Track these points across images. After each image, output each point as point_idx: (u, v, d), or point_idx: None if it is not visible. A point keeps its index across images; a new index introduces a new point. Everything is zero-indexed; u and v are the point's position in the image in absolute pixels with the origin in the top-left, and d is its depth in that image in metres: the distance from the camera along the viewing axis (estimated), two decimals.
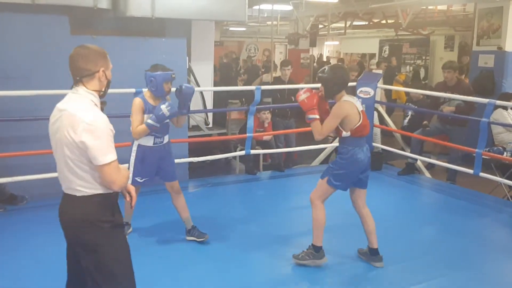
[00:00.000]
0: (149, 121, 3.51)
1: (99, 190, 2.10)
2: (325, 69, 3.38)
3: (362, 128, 3.34)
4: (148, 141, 3.65)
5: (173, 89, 3.76)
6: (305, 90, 3.39)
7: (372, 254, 3.58)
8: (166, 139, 3.76)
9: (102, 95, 2.17)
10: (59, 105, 2.12)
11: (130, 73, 5.11)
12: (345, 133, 3.33)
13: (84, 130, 1.99)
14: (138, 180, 3.67)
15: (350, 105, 3.29)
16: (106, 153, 2.02)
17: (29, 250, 3.67)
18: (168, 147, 3.82)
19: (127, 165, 3.59)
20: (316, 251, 3.47)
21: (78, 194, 2.10)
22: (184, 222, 3.89)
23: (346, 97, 3.32)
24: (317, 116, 3.31)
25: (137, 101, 3.60)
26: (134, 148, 3.66)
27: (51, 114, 2.15)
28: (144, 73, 3.63)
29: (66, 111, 2.05)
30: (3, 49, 4.49)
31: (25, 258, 3.53)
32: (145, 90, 3.72)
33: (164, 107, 3.49)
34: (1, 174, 4.30)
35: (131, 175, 3.65)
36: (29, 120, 4.43)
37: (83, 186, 2.09)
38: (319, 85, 3.40)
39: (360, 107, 3.36)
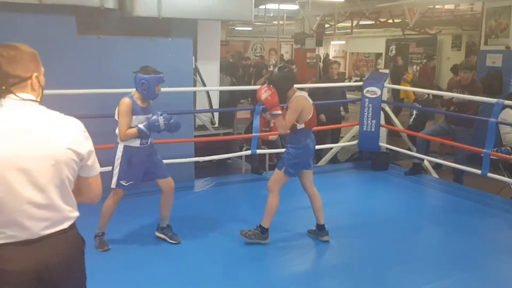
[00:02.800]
0: (141, 127, 3.47)
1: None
2: (273, 71, 3.79)
3: (314, 120, 3.71)
4: (135, 142, 3.57)
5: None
6: (266, 89, 3.60)
7: (319, 230, 3.98)
8: (150, 140, 3.73)
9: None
10: (19, 125, 1.62)
11: None
12: (299, 125, 3.65)
13: (85, 141, 1.74)
14: (123, 183, 3.58)
15: (304, 99, 3.63)
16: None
17: None
18: (153, 146, 3.77)
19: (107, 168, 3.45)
20: (263, 232, 3.82)
21: (64, 226, 1.72)
22: (162, 219, 3.85)
23: (299, 92, 3.65)
24: (280, 112, 3.59)
25: (127, 101, 3.50)
26: (120, 149, 3.56)
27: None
28: (134, 75, 3.55)
29: (42, 125, 1.66)
30: None
31: None
32: (133, 90, 3.63)
33: (161, 120, 3.51)
34: None
35: (115, 178, 3.56)
36: None
37: (73, 211, 1.76)
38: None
39: (311, 101, 3.70)
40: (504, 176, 5.29)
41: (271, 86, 3.61)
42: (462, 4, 12.12)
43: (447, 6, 12.48)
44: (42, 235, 1.66)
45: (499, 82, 7.03)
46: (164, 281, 3.30)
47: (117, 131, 3.54)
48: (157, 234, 3.89)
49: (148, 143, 3.67)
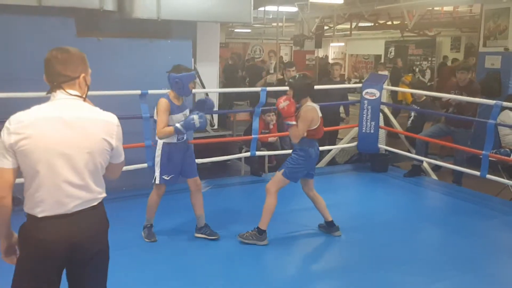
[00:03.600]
0: (178, 126, 3.59)
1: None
2: (296, 76, 3.96)
3: (319, 131, 3.85)
4: (172, 138, 3.72)
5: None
6: (284, 98, 3.74)
7: (330, 226, 4.13)
8: (186, 136, 3.87)
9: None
10: (66, 116, 1.91)
11: (136, 75, 5.13)
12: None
13: (117, 134, 2.03)
14: (165, 178, 3.75)
15: (314, 111, 3.79)
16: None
17: None
18: (187, 143, 3.92)
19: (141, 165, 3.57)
20: (260, 233, 3.87)
21: (94, 204, 2.01)
22: (198, 219, 3.97)
23: (310, 103, 3.82)
24: (295, 123, 3.75)
25: (164, 101, 3.65)
26: (159, 147, 3.73)
27: (44, 125, 1.88)
28: (167, 75, 3.68)
29: (84, 117, 1.96)
30: (10, 51, 4.52)
31: None
32: (167, 91, 3.82)
33: (197, 118, 3.58)
34: None
35: (158, 173, 3.74)
36: None
37: (101, 192, 2.04)
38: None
39: (320, 113, 3.85)
40: (503, 178, 5.29)
41: (291, 95, 3.78)
42: (461, 6, 12.15)
43: (446, 8, 12.51)
44: (75, 211, 1.92)
45: (498, 83, 7.04)
46: (162, 282, 3.29)
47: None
48: (197, 235, 3.99)
49: (184, 139, 3.81)
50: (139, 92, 4.77)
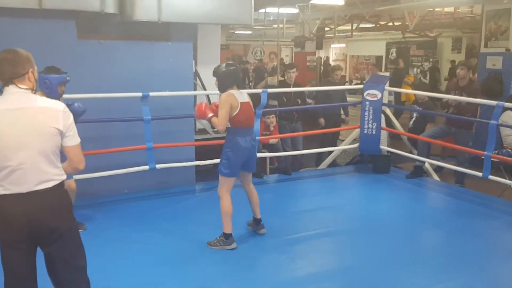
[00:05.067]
0: None
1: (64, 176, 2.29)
2: (220, 65, 3.85)
3: (242, 119, 3.76)
4: None
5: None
6: (197, 109, 3.86)
7: (256, 223, 4.15)
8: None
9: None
10: (17, 106, 2.17)
11: (136, 77, 5.13)
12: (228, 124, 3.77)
13: (64, 118, 2.25)
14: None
15: (232, 96, 3.72)
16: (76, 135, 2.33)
17: None
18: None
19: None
20: (226, 238, 3.83)
21: (51, 184, 2.22)
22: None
23: (232, 90, 3.76)
24: (212, 114, 3.79)
25: None
26: None
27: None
28: (38, 75, 3.63)
29: (32, 107, 2.19)
30: None
31: None
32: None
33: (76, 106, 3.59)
34: None
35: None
36: None
37: (58, 174, 2.25)
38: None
39: (243, 99, 3.78)
40: (506, 178, 5.28)
41: (217, 84, 3.82)
42: (461, 7, 12.14)
43: (447, 9, 12.50)
44: (31, 191, 2.17)
45: (500, 84, 7.02)
46: (164, 285, 3.29)
47: None
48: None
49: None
50: (140, 94, 4.76)
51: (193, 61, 5.70)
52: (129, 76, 5.08)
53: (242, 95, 3.81)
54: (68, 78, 3.62)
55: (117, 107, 4.85)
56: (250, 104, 3.88)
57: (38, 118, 2.17)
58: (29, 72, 2.24)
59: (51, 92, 3.52)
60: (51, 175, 2.21)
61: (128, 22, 4.92)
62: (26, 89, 2.22)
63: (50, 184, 2.21)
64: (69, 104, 3.56)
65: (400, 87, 10.03)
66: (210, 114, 3.79)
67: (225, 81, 3.79)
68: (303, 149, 6.41)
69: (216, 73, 3.82)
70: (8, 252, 2.20)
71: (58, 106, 2.26)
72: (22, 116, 2.15)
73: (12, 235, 2.17)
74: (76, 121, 3.56)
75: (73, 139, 2.29)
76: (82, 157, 2.35)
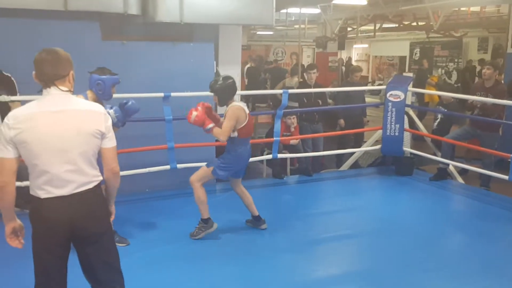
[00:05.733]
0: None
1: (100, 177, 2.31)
2: (217, 80, 3.89)
3: (248, 129, 3.89)
4: None
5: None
6: (191, 111, 3.79)
7: (256, 220, 4.20)
8: None
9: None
10: (59, 108, 2.14)
11: (158, 78, 5.18)
12: (233, 134, 3.84)
13: (104, 121, 2.26)
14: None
15: (240, 109, 3.81)
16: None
17: None
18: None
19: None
20: (205, 222, 3.96)
21: (90, 186, 2.22)
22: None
23: (235, 102, 3.86)
24: (213, 124, 3.79)
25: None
26: None
27: (39, 118, 2.11)
28: (89, 75, 3.52)
29: (74, 109, 2.18)
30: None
31: None
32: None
33: (112, 113, 3.44)
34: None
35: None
36: None
37: (96, 175, 2.26)
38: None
39: (247, 110, 3.89)
40: None
41: (199, 107, 3.78)
42: (488, 6, 11.87)
43: (472, 8, 12.24)
44: (73, 193, 2.16)
45: None
46: (180, 284, 3.30)
47: None
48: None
49: None
50: (162, 94, 4.81)
51: (214, 62, 5.72)
52: (151, 76, 5.14)
53: (246, 107, 3.92)
54: (119, 80, 3.60)
55: (139, 107, 4.91)
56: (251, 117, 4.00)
57: (80, 120, 2.17)
58: (69, 74, 2.22)
59: (105, 93, 3.50)
60: (91, 177, 2.22)
61: (150, 23, 4.97)
62: (67, 91, 2.20)
63: (90, 186, 2.22)
64: (125, 102, 3.66)
65: (424, 88, 9.87)
66: (211, 125, 3.77)
67: (224, 96, 3.83)
68: (324, 150, 6.36)
69: (213, 88, 3.84)
70: (44, 256, 2.18)
71: (99, 108, 2.28)
72: (64, 118, 2.14)
73: (53, 239, 2.17)
74: (128, 119, 3.71)
75: (112, 141, 2.30)
76: (117, 159, 2.35)
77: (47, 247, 2.17)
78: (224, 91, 3.83)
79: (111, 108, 3.50)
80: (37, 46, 5.00)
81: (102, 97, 3.51)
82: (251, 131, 3.98)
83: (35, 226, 2.18)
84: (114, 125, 3.37)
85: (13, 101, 4.31)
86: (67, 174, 2.14)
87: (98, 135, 2.22)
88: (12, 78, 4.39)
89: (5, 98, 4.21)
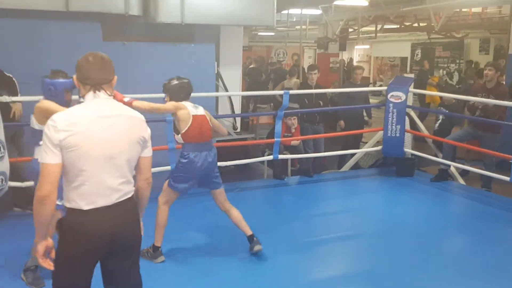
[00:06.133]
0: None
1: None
2: (171, 80, 3.59)
3: (196, 134, 3.48)
4: None
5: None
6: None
7: (249, 241, 3.69)
8: None
9: None
10: (107, 113, 2.05)
11: (160, 79, 5.17)
12: (177, 137, 3.57)
13: (146, 128, 2.19)
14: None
15: (182, 106, 3.47)
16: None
17: None
18: None
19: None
20: (154, 250, 3.58)
21: (130, 195, 2.13)
22: None
23: (184, 102, 3.51)
24: (128, 98, 3.35)
25: (46, 101, 3.12)
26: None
27: (86, 123, 1.98)
28: (42, 80, 3.18)
29: (122, 115, 2.09)
30: (39, 55, 4.63)
31: None
32: (40, 98, 3.27)
33: None
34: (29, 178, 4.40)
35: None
36: None
37: (133, 184, 2.16)
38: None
39: (197, 113, 3.50)
40: None
41: (168, 101, 3.53)
42: (489, 7, 11.86)
43: (474, 9, 12.24)
44: (116, 203, 2.05)
45: None
46: (182, 286, 3.30)
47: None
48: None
49: None
50: (163, 95, 4.80)
51: (215, 63, 5.73)
52: (152, 77, 5.13)
53: (197, 109, 3.54)
54: (73, 84, 3.30)
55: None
56: (207, 117, 3.57)
57: (127, 126, 2.09)
58: (114, 79, 2.15)
59: (57, 99, 3.12)
60: (131, 186, 2.13)
61: (151, 24, 4.98)
62: (111, 96, 2.12)
63: (129, 195, 2.12)
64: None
65: (425, 89, 9.86)
66: (127, 99, 3.33)
67: (176, 96, 3.52)
68: (325, 151, 6.36)
69: (165, 88, 3.58)
70: (76, 270, 2.02)
71: (140, 115, 2.19)
72: (113, 123, 2.04)
73: (91, 252, 2.02)
74: None
75: (150, 150, 2.21)
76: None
77: (82, 261, 2.02)
78: (175, 91, 3.53)
79: None
80: (38, 46, 5.05)
81: (56, 101, 3.12)
82: (202, 136, 3.51)
83: (70, 239, 2.00)
84: None
85: (14, 102, 4.32)
86: (113, 182, 2.03)
87: (141, 143, 2.13)
88: (14, 79, 4.39)
89: (6, 98, 4.21)
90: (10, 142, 4.27)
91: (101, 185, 2.01)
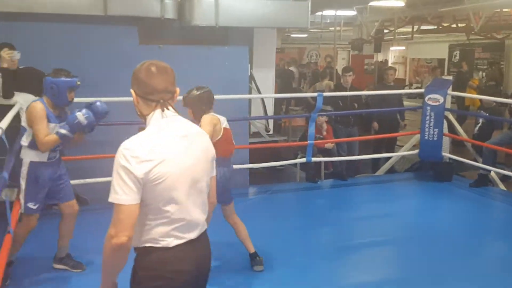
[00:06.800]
0: (62, 130, 3.00)
1: None
2: (191, 91, 3.30)
3: (225, 145, 3.25)
4: (42, 156, 3.10)
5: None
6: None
7: (251, 259, 3.53)
8: (59, 153, 3.28)
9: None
10: (183, 132, 1.73)
11: (194, 81, 5.21)
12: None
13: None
14: (32, 206, 3.11)
15: (216, 119, 3.26)
16: None
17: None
18: (61, 162, 3.32)
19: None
20: None
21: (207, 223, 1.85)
22: (60, 248, 3.38)
23: (214, 114, 3.30)
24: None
25: (39, 106, 3.03)
26: (26, 166, 3.07)
27: (169, 145, 1.68)
28: (44, 78, 3.11)
29: (193, 133, 1.80)
30: (78, 58, 4.75)
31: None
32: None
33: (81, 115, 2.98)
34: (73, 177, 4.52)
35: (23, 201, 3.10)
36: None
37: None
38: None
39: (225, 125, 3.33)
40: None
41: (192, 115, 3.22)
42: None
43: None
44: (199, 235, 1.77)
45: None
46: None
47: (25, 141, 3.08)
48: (56, 266, 3.40)
49: (57, 157, 3.24)
50: None
51: (249, 65, 5.74)
52: (188, 79, 5.14)
53: (224, 121, 3.36)
54: (78, 83, 3.11)
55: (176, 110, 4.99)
56: (231, 132, 3.39)
57: (203, 145, 1.80)
58: (177, 91, 1.80)
59: (59, 98, 3.06)
60: (206, 213, 1.84)
61: (186, 27, 5.03)
62: (176, 112, 1.77)
63: (206, 224, 1.85)
64: (91, 104, 3.13)
65: (463, 91, 9.56)
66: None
67: (197, 109, 3.23)
68: (359, 154, 6.26)
69: (185, 101, 3.25)
70: None
71: (203, 131, 1.91)
72: (191, 144, 1.73)
73: None
74: (98, 122, 3.14)
75: (214, 169, 1.92)
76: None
77: None
78: (198, 103, 3.25)
79: (79, 111, 3.05)
80: (77, 50, 5.17)
81: (57, 103, 3.09)
82: (227, 150, 3.33)
83: (150, 284, 1.68)
84: (81, 130, 3.06)
85: None
86: (197, 210, 1.75)
87: (211, 162, 1.85)
88: None
89: None
90: None
91: (189, 217, 1.71)
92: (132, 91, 1.74)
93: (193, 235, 1.73)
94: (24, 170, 3.08)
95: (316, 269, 3.63)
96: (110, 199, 1.59)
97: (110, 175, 1.65)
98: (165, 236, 1.68)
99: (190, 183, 1.71)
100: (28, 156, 3.09)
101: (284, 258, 3.74)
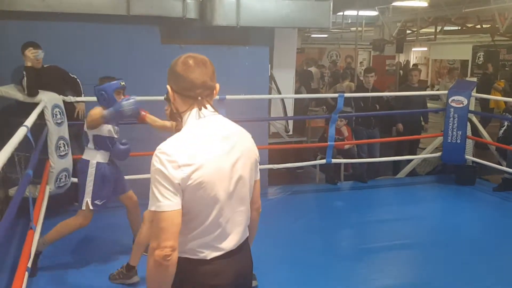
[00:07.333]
0: (106, 112, 3.20)
1: None
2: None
3: None
4: (106, 157, 3.39)
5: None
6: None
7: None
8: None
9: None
10: (223, 133, 1.59)
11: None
12: None
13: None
14: (98, 203, 3.34)
15: None
16: None
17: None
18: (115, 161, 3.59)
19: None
20: (128, 270, 3.27)
21: (247, 232, 1.71)
22: (135, 235, 3.50)
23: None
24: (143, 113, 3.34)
25: (98, 109, 3.30)
26: (93, 168, 3.32)
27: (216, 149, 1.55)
28: (94, 89, 3.34)
29: (236, 132, 1.65)
30: (101, 57, 4.82)
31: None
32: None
33: (125, 103, 3.16)
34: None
35: (87, 199, 3.31)
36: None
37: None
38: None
39: None
40: None
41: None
42: None
43: None
44: (238, 245, 1.63)
45: None
46: None
47: (91, 144, 3.35)
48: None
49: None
50: (217, 97, 4.84)
51: (269, 65, 5.72)
52: None
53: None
54: (122, 83, 3.30)
55: None
56: None
57: (245, 146, 1.64)
58: (217, 87, 1.64)
59: (110, 102, 3.24)
60: (249, 220, 1.70)
61: (208, 27, 5.05)
62: (216, 111, 1.63)
63: (247, 233, 1.71)
64: (126, 99, 3.23)
65: (488, 93, 9.36)
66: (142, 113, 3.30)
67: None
68: (380, 156, 6.18)
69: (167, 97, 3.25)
70: None
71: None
72: (234, 145, 1.59)
73: None
74: (123, 119, 3.30)
75: (258, 171, 1.74)
76: None
77: None
78: None
79: (126, 100, 3.19)
80: (101, 49, 5.25)
81: (108, 106, 3.25)
82: None
83: None
84: (129, 117, 3.19)
85: (78, 102, 4.53)
86: (239, 218, 1.61)
87: (256, 164, 1.70)
88: (78, 80, 4.60)
89: (71, 98, 4.42)
90: (73, 140, 4.49)
91: (229, 225, 1.59)
92: (168, 87, 1.61)
93: (232, 245, 1.60)
94: (92, 170, 3.33)
95: (337, 270, 3.60)
96: (151, 209, 1.47)
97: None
98: (203, 247, 1.55)
99: (231, 189, 1.57)
100: (95, 158, 3.36)
101: (304, 259, 3.72)
